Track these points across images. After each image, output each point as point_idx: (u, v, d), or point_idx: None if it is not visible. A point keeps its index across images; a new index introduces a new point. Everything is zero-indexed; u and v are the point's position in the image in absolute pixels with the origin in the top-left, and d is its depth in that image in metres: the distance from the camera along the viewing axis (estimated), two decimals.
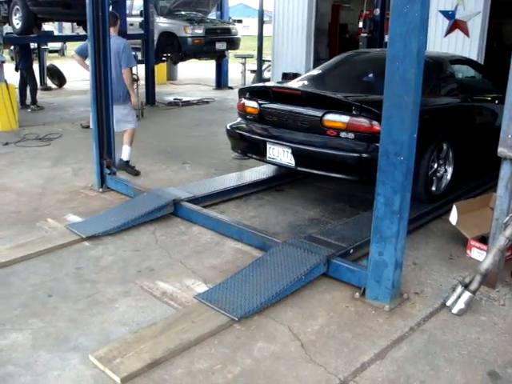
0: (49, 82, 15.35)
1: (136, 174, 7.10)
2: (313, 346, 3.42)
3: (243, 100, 6.14)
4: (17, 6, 11.23)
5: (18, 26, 11.32)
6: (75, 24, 16.51)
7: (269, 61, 14.66)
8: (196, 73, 19.72)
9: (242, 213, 5.73)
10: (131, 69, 7.38)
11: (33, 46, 14.08)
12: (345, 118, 5.15)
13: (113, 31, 6.90)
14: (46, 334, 3.53)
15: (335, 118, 5.21)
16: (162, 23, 13.66)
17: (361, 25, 12.00)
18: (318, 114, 5.31)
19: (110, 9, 11.64)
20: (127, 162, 7.17)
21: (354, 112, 5.11)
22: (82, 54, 7.08)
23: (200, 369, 3.20)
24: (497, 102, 6.59)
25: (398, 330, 3.62)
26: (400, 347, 3.45)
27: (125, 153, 7.17)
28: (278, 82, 7.43)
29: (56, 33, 20.86)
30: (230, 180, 6.44)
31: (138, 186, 6.08)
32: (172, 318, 3.65)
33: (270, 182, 6.56)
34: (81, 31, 14.31)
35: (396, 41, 3.43)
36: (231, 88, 15.39)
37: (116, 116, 6.56)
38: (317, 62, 12.28)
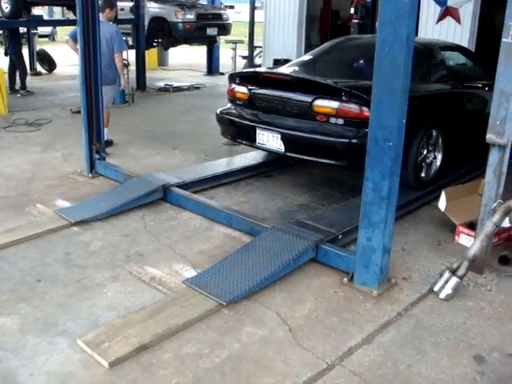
0: (39, 67, 15.22)
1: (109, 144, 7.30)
2: (301, 331, 3.44)
3: (233, 85, 6.12)
4: None
5: (6, 10, 11.19)
6: (65, 8, 16.31)
7: (260, 47, 14.61)
8: (187, 58, 19.61)
9: (232, 198, 5.73)
10: (122, 53, 7.50)
11: (22, 30, 13.96)
12: (334, 104, 5.15)
13: (102, 17, 7.03)
14: (34, 318, 3.53)
15: (325, 104, 5.21)
16: (152, 8, 13.53)
17: (352, 11, 11.96)
18: (308, 99, 5.30)
19: None
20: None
21: (343, 98, 5.11)
22: (76, 38, 6.98)
23: (188, 353, 3.21)
24: (487, 88, 6.59)
25: (385, 314, 3.65)
26: (387, 332, 3.48)
27: None
28: (269, 68, 7.39)
29: (46, 17, 20.71)
30: (220, 165, 6.43)
31: (128, 172, 6.06)
32: (160, 302, 3.66)
33: (260, 167, 6.56)
34: (71, 16, 14.17)
35: (386, 26, 3.42)
36: (222, 74, 15.31)
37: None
38: (308, 48, 12.22)
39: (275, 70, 6.47)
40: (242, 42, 9.39)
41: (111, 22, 7.86)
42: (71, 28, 7.53)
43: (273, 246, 4.20)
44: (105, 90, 6.80)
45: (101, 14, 7.10)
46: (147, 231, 4.86)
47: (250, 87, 5.88)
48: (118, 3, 12.14)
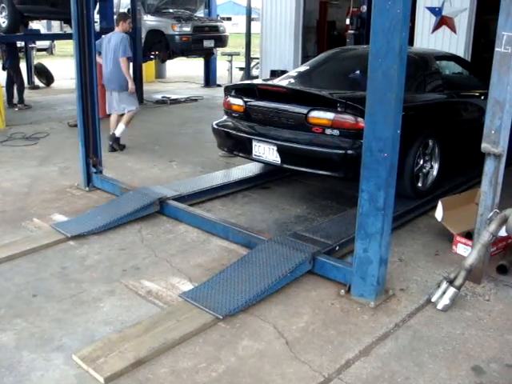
0: (36, 81, 15.27)
1: (122, 148, 8.10)
2: (298, 344, 3.42)
3: (229, 98, 6.13)
4: (3, 5, 11.19)
5: (3, 25, 11.27)
6: (63, 22, 16.40)
7: (257, 58, 14.65)
8: (185, 71, 19.68)
9: (229, 211, 5.72)
10: (127, 59, 7.98)
11: (20, 44, 14.00)
12: (330, 115, 5.15)
13: (117, 29, 8.16)
14: (29, 334, 3.51)
15: (320, 115, 5.21)
16: (149, 21, 13.61)
17: (348, 22, 12.01)
18: (304, 111, 5.31)
19: (97, 7, 11.71)
20: (118, 138, 8.01)
21: (339, 109, 5.11)
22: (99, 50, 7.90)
23: (184, 368, 3.19)
24: (483, 98, 6.60)
25: (383, 326, 3.63)
26: (385, 344, 3.45)
27: (119, 129, 8.11)
28: (264, 80, 7.41)
29: (44, 31, 20.81)
30: (217, 178, 6.42)
31: (125, 185, 6.05)
32: (157, 316, 3.64)
33: (257, 179, 6.55)
34: (69, 30, 14.25)
35: (378, 37, 3.42)
36: (220, 86, 15.35)
37: (117, 99, 8.06)
38: (305, 59, 12.24)
39: (270, 82, 6.48)
40: (237, 54, 9.45)
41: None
42: (69, 42, 7.64)
43: (269, 259, 4.18)
44: (120, 96, 8.04)
45: (116, 28, 8.21)
46: (144, 245, 4.85)
47: (245, 99, 5.89)
48: (115, 16, 12.23)
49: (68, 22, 12.70)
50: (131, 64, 12.32)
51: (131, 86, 7.98)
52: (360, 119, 4.94)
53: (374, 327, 3.61)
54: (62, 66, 19.07)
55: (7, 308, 3.80)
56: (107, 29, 11.45)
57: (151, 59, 14.87)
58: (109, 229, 5.09)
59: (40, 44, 22.26)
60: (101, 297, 3.98)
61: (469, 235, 4.69)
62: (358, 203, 3.77)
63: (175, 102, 12.95)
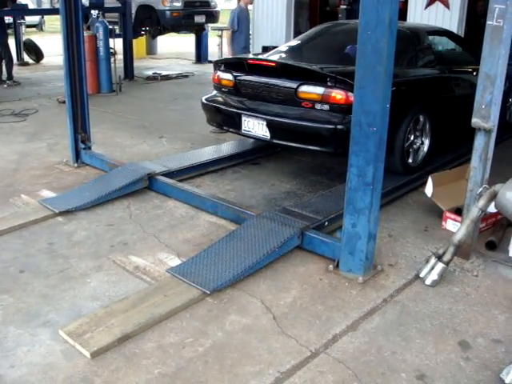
0: (26, 57, 15.08)
1: None
2: (285, 319, 3.41)
3: (218, 72, 6.06)
4: None
5: None
6: None
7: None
8: (176, 47, 19.51)
9: (218, 186, 5.68)
10: (233, 32, 9.25)
11: (8, 20, 13.78)
12: (320, 90, 5.10)
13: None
14: (16, 309, 3.49)
15: (310, 90, 5.16)
16: None
17: None
18: (293, 85, 5.25)
19: None
20: None
21: (328, 83, 5.06)
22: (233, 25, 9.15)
23: (171, 342, 3.18)
24: (475, 73, 6.55)
25: (370, 301, 3.62)
26: (372, 319, 3.45)
27: None
28: (254, 54, 7.33)
29: (33, 7, 20.52)
30: (206, 153, 6.37)
31: (113, 161, 6.00)
32: (144, 292, 3.62)
33: (247, 155, 6.51)
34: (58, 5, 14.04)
35: (368, 9, 3.36)
36: (211, 62, 15.10)
37: None
38: (297, 35, 12.14)
39: (260, 56, 6.41)
40: (228, 29, 9.37)
41: None
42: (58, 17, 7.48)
43: (258, 234, 4.16)
44: None
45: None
46: (132, 220, 4.82)
47: (235, 74, 5.82)
48: None
49: None
50: (121, 40, 12.28)
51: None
52: (350, 94, 4.89)
53: (361, 302, 3.60)
54: (52, 42, 18.83)
55: None
56: (96, 4, 11.32)
57: (142, 35, 14.71)
58: (97, 204, 5.05)
59: (30, 20, 21.96)
60: (88, 272, 3.95)
61: (458, 211, 4.67)
62: (347, 178, 3.74)
63: (166, 78, 12.83)
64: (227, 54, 9.00)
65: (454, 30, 9.66)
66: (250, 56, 6.83)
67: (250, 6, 9.42)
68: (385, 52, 3.36)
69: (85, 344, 3.10)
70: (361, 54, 3.48)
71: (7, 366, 2.97)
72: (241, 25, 9.14)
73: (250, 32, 13.88)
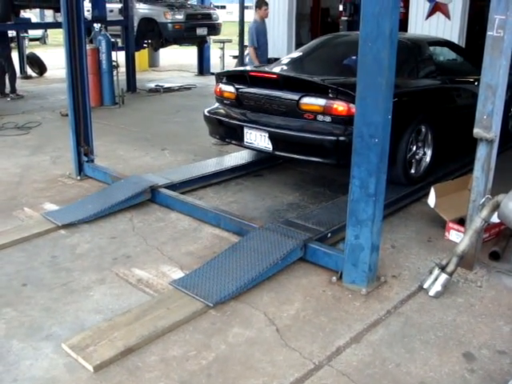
0: (29, 71, 15.15)
1: None
2: (288, 331, 3.40)
3: (220, 85, 6.08)
4: None
5: None
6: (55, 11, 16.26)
7: None
8: (178, 59, 19.58)
9: (221, 198, 5.69)
10: (254, 48, 8.91)
11: (12, 34, 13.88)
12: (321, 101, 5.11)
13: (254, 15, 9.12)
14: (19, 323, 3.48)
15: (312, 102, 5.18)
16: (141, 9, 13.52)
17: (341, 8, 11.95)
18: (295, 97, 5.26)
19: None
20: None
21: (330, 95, 5.07)
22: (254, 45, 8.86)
23: (174, 355, 3.17)
24: (477, 83, 6.56)
25: (374, 313, 3.61)
26: (376, 330, 3.44)
27: None
28: (256, 67, 7.35)
29: (37, 20, 20.64)
30: (209, 166, 6.38)
31: (116, 173, 6.01)
32: (147, 304, 3.61)
33: (250, 167, 6.51)
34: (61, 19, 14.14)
35: (369, 21, 3.38)
36: (213, 74, 15.14)
37: None
38: (299, 47, 12.20)
39: (262, 69, 6.43)
40: (229, 41, 9.40)
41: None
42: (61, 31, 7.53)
43: (260, 246, 4.16)
44: None
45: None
46: (135, 233, 4.82)
47: (237, 86, 5.84)
48: (108, 5, 12.17)
49: (59, 10, 12.59)
50: (123, 53, 12.33)
51: None
52: (352, 105, 4.89)
53: (365, 314, 3.59)
54: (55, 55, 18.89)
55: None
56: (98, 17, 11.37)
57: (144, 48, 14.78)
58: (100, 217, 5.06)
59: (33, 33, 22.11)
60: (91, 285, 3.95)
61: (462, 221, 4.67)
62: (350, 189, 3.74)
63: (168, 90, 12.86)
64: None
65: (455, 40, 9.70)
66: (252, 68, 6.85)
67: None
68: (386, 63, 3.37)
69: (88, 357, 3.09)
70: (362, 65, 3.49)
71: (10, 380, 2.97)
72: (260, 40, 8.98)
73: None
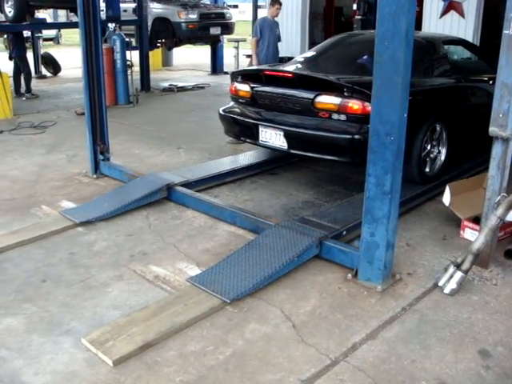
0: (43, 70, 15.28)
1: None
2: (304, 327, 3.43)
3: (235, 84, 6.12)
4: None
5: (10, 14, 11.24)
6: (69, 11, 16.38)
7: None
8: (192, 58, 19.65)
9: (236, 196, 5.73)
10: (257, 40, 9.35)
11: (26, 34, 13.99)
12: (336, 100, 5.13)
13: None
14: (39, 318, 3.54)
15: (327, 100, 5.20)
16: (155, 9, 13.57)
17: (355, 7, 11.95)
18: (310, 96, 5.29)
19: None
20: None
21: (345, 93, 5.09)
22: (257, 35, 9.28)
23: (192, 351, 3.21)
24: (491, 82, 6.56)
25: (389, 310, 3.64)
26: (391, 327, 3.46)
27: None
28: (270, 65, 7.38)
29: (50, 20, 20.78)
30: (224, 164, 6.43)
31: (132, 172, 6.07)
32: (164, 301, 3.66)
33: (265, 165, 6.55)
34: (75, 19, 14.21)
35: (385, 20, 3.40)
36: (226, 73, 15.26)
37: None
38: (312, 46, 12.21)
39: (277, 68, 6.46)
40: (244, 40, 9.42)
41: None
42: (76, 31, 7.62)
43: (276, 243, 4.19)
44: None
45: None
46: (151, 230, 4.87)
47: (252, 85, 5.88)
48: (122, 5, 12.24)
49: (74, 10, 12.68)
50: (137, 52, 12.40)
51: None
52: (367, 104, 4.92)
53: (380, 311, 3.62)
54: (69, 55, 19.09)
55: (17, 293, 3.83)
56: (112, 17, 11.45)
57: (158, 47, 14.84)
58: (116, 215, 5.11)
59: (47, 33, 22.25)
60: (109, 282, 4.00)
61: (477, 220, 4.67)
62: (365, 187, 3.77)
63: (182, 89, 12.93)
64: (253, 62, 9.09)
65: (470, 38, 9.68)
66: (267, 67, 6.88)
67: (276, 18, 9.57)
68: (402, 62, 3.39)
69: (107, 352, 3.14)
70: (378, 64, 3.51)
71: (31, 374, 3.03)
72: (264, 34, 9.23)
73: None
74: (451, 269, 3.91)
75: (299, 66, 6.31)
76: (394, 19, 3.34)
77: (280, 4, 9.30)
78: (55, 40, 26.40)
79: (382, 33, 3.43)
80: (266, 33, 9.27)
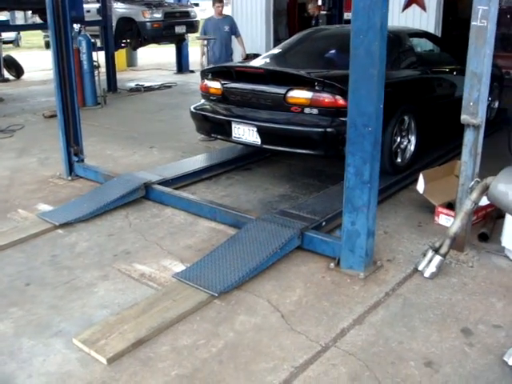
0: (6, 74, 15.04)
1: None
2: (293, 316, 3.51)
3: (206, 81, 6.15)
4: None
5: None
6: (29, 12, 16.14)
7: None
8: (156, 58, 19.54)
9: (213, 193, 5.77)
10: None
11: None
12: (308, 94, 5.21)
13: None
14: (27, 321, 3.53)
15: (299, 95, 5.28)
16: (119, 9, 13.49)
17: (320, 2, 12.06)
18: (282, 91, 5.36)
19: None
20: None
21: (316, 87, 5.18)
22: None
23: (184, 345, 3.26)
24: (455, 73, 6.74)
25: (373, 295, 3.74)
26: (377, 312, 3.57)
27: None
28: (240, 62, 7.43)
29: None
30: (199, 161, 6.46)
31: (108, 172, 6.06)
32: (153, 297, 3.70)
33: (239, 161, 6.60)
34: (37, 20, 14.04)
35: (360, 14, 3.50)
36: (192, 71, 15.28)
37: None
38: (277, 42, 12.30)
39: (248, 64, 6.52)
40: (215, 38, 9.42)
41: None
42: (36, 33, 7.55)
43: (259, 236, 4.26)
44: None
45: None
46: (132, 229, 4.89)
47: (222, 82, 5.92)
48: (85, 5, 12.12)
49: (36, 11, 12.53)
50: (103, 53, 12.31)
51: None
52: (338, 97, 5.04)
53: (365, 297, 3.72)
54: (30, 57, 18.81)
55: (1, 298, 3.82)
56: (77, 18, 11.31)
57: (123, 47, 14.74)
58: (96, 216, 5.11)
59: (6, 36, 21.86)
60: (94, 282, 4.01)
61: (450, 206, 4.82)
62: (345, 177, 3.86)
63: (149, 89, 12.87)
64: (203, 62, 9.17)
65: (432, 30, 9.87)
66: (238, 64, 6.93)
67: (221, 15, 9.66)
68: (377, 55, 3.50)
69: (100, 351, 3.17)
70: (354, 57, 3.60)
71: (25, 377, 3.03)
72: (208, 34, 9.39)
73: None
74: (430, 253, 4.04)
75: (269, 61, 6.37)
76: (368, 13, 3.44)
77: (221, 1, 9.48)
78: (15, 42, 25.91)
79: (357, 27, 3.53)
80: (210, 33, 9.43)
